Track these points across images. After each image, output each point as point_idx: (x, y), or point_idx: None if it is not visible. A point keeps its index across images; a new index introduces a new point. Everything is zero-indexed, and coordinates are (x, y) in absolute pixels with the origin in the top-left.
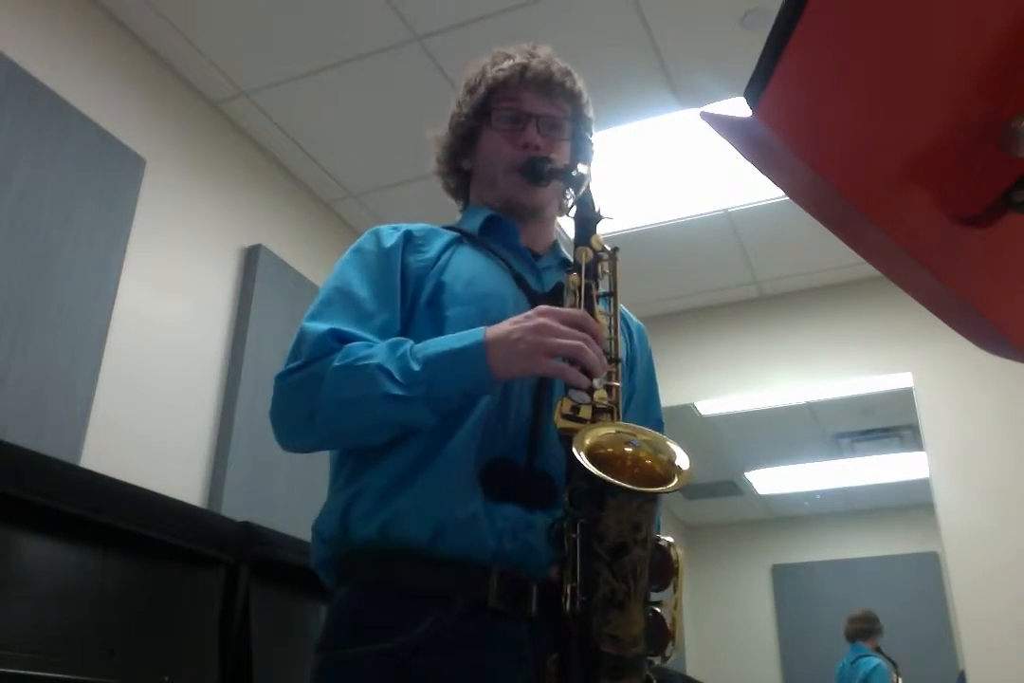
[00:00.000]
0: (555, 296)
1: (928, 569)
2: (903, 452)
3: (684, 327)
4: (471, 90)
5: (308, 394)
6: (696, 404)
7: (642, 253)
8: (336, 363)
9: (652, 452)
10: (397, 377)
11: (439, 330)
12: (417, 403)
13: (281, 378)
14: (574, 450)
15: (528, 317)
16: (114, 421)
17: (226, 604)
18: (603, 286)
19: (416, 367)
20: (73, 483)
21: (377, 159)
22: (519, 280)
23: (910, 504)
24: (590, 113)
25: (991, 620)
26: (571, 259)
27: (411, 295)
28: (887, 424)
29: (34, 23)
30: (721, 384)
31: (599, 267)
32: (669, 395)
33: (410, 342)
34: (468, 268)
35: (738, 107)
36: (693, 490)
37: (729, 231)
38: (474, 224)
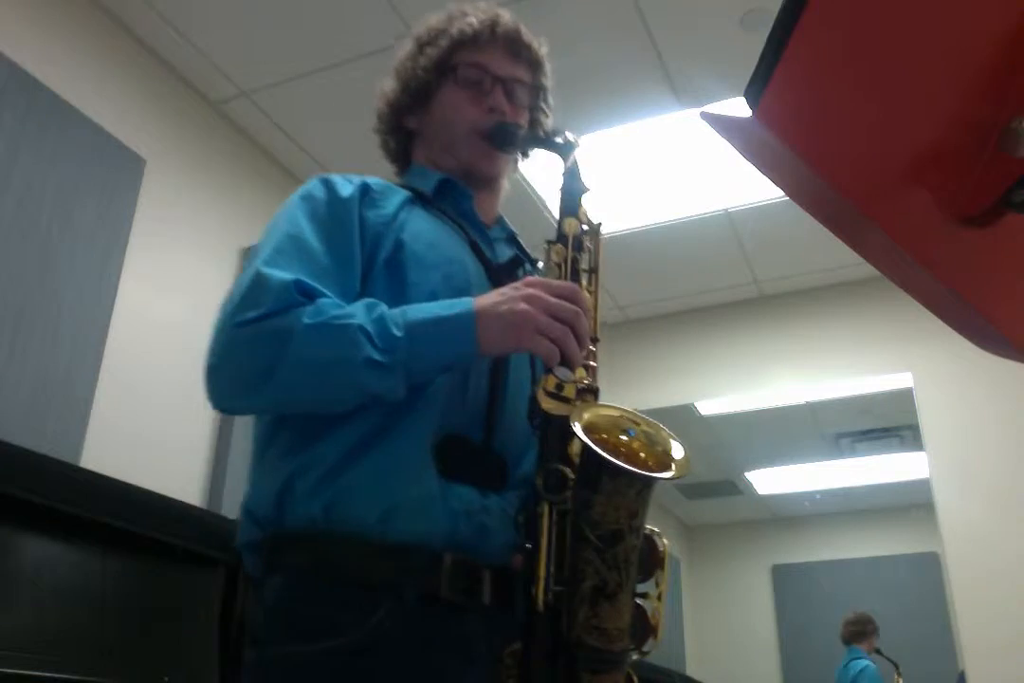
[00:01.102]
0: (511, 268)
1: (928, 569)
2: (903, 452)
3: (684, 327)
4: (429, 42)
5: (271, 349)
6: (696, 404)
7: (642, 253)
8: (308, 320)
9: (647, 443)
10: (376, 341)
11: (400, 294)
12: (395, 372)
13: (236, 327)
14: (574, 425)
15: (516, 288)
16: (114, 421)
17: (226, 604)
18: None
19: (398, 333)
20: (73, 483)
21: (377, 159)
22: (474, 248)
23: (910, 504)
24: (549, 82)
25: (991, 620)
26: (516, 232)
27: (367, 253)
28: (887, 424)
29: (34, 23)
30: (721, 384)
31: (584, 241)
32: (669, 395)
33: (384, 305)
34: (427, 230)
35: (738, 107)
36: (693, 490)
37: (729, 231)
38: (427, 186)
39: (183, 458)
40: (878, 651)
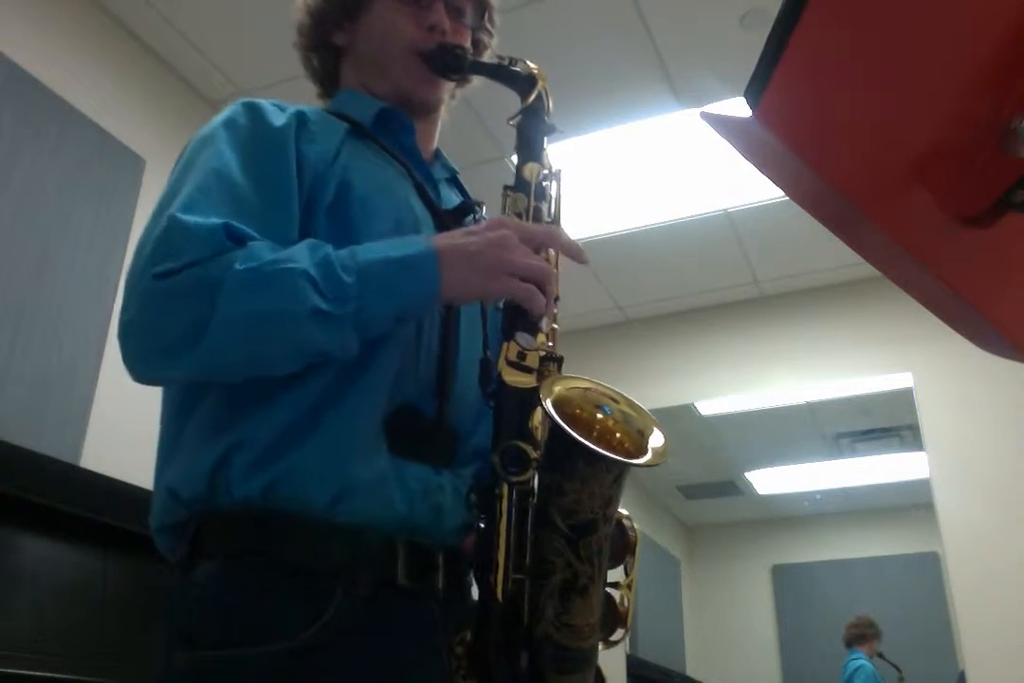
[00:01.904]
0: (459, 216)
1: (928, 569)
2: (903, 452)
3: (684, 327)
4: None
5: (197, 303)
6: (696, 404)
7: (642, 253)
8: (240, 265)
9: (623, 422)
10: (322, 288)
11: (344, 245)
12: (345, 324)
13: (153, 280)
14: (546, 404)
15: (488, 227)
16: (114, 421)
17: None
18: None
19: (348, 278)
20: (73, 483)
21: None
22: (420, 191)
23: (910, 504)
24: None
25: (991, 620)
26: (456, 169)
27: (306, 196)
28: (887, 424)
29: (34, 23)
30: (721, 384)
31: (546, 189)
32: (669, 395)
33: (329, 245)
34: (373, 170)
35: (738, 107)
36: (693, 490)
37: (729, 231)
38: (364, 115)
39: None
40: (880, 655)
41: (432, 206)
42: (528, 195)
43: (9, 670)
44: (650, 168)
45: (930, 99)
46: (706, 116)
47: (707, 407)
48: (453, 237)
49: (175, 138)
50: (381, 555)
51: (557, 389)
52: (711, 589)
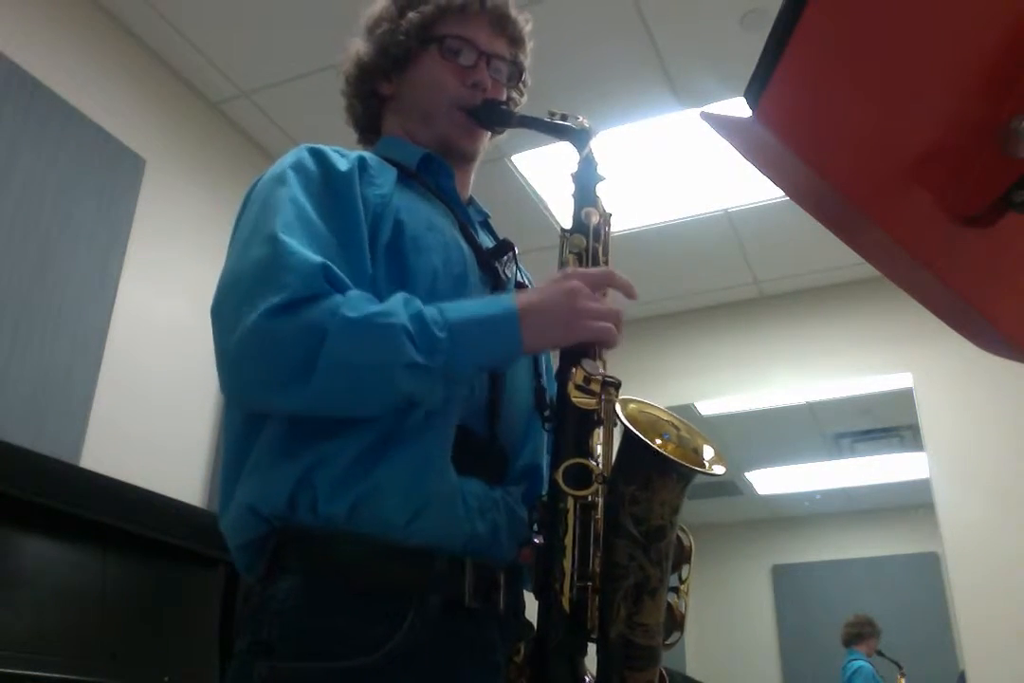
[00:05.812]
0: (498, 254)
1: (928, 569)
2: (903, 452)
3: (684, 327)
4: (410, 5)
5: (307, 346)
6: (696, 404)
7: (642, 253)
8: (345, 314)
9: (679, 444)
10: (417, 342)
11: (400, 280)
12: (435, 375)
13: (266, 317)
14: (624, 420)
15: (556, 281)
16: (114, 421)
17: (226, 604)
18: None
19: (440, 334)
20: (73, 483)
21: None
22: (464, 229)
23: (910, 504)
24: (527, 60)
25: (991, 620)
26: (488, 213)
27: (369, 234)
28: (887, 424)
29: (34, 23)
30: (721, 384)
31: (601, 231)
32: (669, 395)
33: (418, 299)
34: (423, 211)
35: (738, 107)
36: (693, 490)
37: (729, 231)
38: (409, 160)
39: (183, 458)
40: (880, 653)
41: (475, 244)
42: (587, 236)
43: (8, 670)
44: (650, 168)
45: (930, 99)
46: (706, 116)
47: (707, 407)
48: (531, 295)
49: (175, 138)
50: (450, 576)
51: (629, 409)
52: (711, 589)
